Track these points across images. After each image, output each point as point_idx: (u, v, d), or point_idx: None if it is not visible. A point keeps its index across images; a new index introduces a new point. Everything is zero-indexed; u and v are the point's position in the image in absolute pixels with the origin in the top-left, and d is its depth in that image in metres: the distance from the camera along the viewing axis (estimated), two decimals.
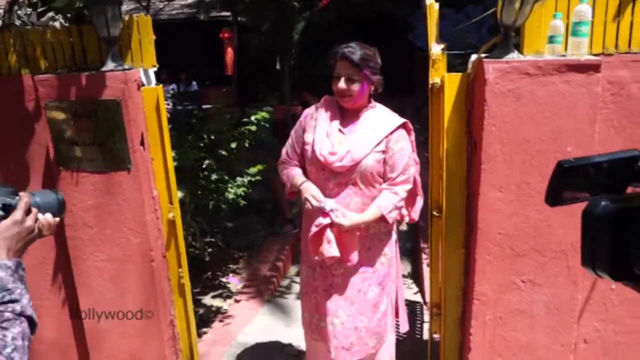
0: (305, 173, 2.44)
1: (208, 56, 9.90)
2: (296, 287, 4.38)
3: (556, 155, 2.17)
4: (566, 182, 0.78)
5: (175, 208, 2.63)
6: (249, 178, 4.02)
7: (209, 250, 4.74)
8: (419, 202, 2.51)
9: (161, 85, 2.54)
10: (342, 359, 2.42)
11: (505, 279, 2.35)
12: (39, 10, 2.54)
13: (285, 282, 4.61)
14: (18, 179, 2.72)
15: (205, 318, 3.88)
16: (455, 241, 2.46)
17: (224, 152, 3.87)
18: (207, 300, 4.20)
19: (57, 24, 3.59)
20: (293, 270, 4.86)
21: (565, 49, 2.12)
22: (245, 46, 8.93)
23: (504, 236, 2.30)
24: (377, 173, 2.31)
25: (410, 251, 5.15)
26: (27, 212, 1.19)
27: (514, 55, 2.11)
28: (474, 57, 2.27)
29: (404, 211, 2.52)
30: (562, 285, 2.32)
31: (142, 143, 2.47)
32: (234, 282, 4.49)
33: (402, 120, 2.35)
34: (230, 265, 4.83)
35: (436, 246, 2.58)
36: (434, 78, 2.33)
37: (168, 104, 4.63)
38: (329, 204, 2.22)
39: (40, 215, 1.23)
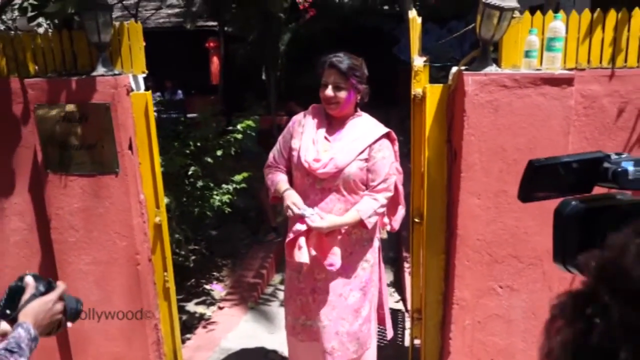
0: (291, 178, 2.50)
1: (194, 65, 9.93)
2: (280, 295, 4.41)
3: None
4: (537, 180, 0.84)
5: (162, 212, 2.67)
6: (234, 186, 4.06)
7: (193, 257, 4.75)
8: (401, 211, 2.57)
9: (150, 91, 2.59)
10: None
11: (484, 285, 2.43)
12: (29, 15, 2.57)
13: (269, 290, 4.63)
14: (4, 183, 2.74)
15: (189, 324, 3.89)
16: (436, 247, 2.53)
17: (209, 160, 3.91)
18: (191, 307, 4.21)
19: (41, 30, 3.62)
20: (277, 278, 4.89)
21: (541, 63, 2.22)
22: (231, 56, 8.99)
23: (482, 242, 2.38)
24: (360, 180, 2.38)
25: (392, 260, 5.21)
26: (60, 298, 1.31)
27: (492, 68, 2.21)
28: (454, 69, 2.37)
29: (386, 219, 2.58)
30: (539, 290, 2.40)
31: (130, 147, 2.51)
32: (217, 289, 4.50)
33: (386, 129, 2.42)
34: (214, 273, 4.84)
35: (417, 252, 2.65)
36: (416, 89, 2.41)
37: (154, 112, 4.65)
38: (308, 211, 2.27)
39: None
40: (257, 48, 8.33)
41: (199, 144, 3.86)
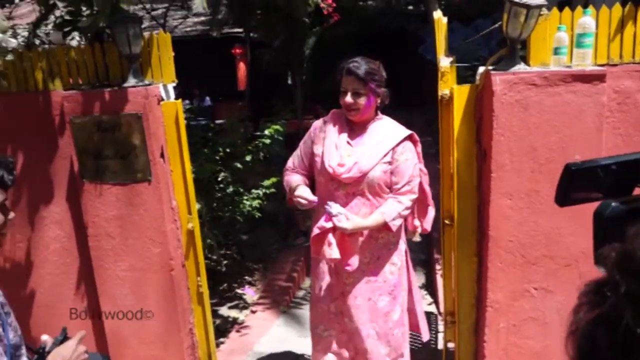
0: (312, 184, 2.52)
1: (221, 72, 10.06)
2: None
3: (564, 164, 2.22)
4: (574, 183, 0.83)
5: (194, 218, 2.71)
6: (263, 191, 4.10)
7: (225, 262, 4.81)
8: (431, 212, 2.56)
9: (180, 99, 2.64)
10: None
11: (518, 287, 2.39)
12: (65, 30, 2.66)
13: (300, 294, 4.66)
14: (43, 192, 2.83)
15: (222, 328, 3.94)
16: (468, 249, 2.50)
17: (239, 165, 3.96)
18: (224, 311, 4.26)
19: (73, 43, 3.72)
20: (307, 281, 4.90)
21: (571, 60, 2.18)
22: (257, 61, 9.08)
23: (515, 244, 2.34)
24: (384, 184, 2.37)
25: (424, 262, 5.17)
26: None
27: (520, 67, 2.18)
28: (481, 69, 2.35)
29: (417, 222, 2.57)
30: (575, 291, 2.33)
31: (162, 155, 2.56)
32: (249, 293, 4.55)
33: (408, 132, 2.42)
34: (246, 277, 4.89)
35: (448, 254, 2.62)
36: (443, 90, 2.40)
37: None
38: (335, 208, 2.28)
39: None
40: (283, 53, 8.37)
41: (228, 150, 3.91)
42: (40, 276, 2.92)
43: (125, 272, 2.71)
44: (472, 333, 2.60)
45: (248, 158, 3.96)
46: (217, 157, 3.88)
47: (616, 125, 2.25)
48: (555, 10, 2.19)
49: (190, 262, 2.77)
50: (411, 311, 2.62)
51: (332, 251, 2.30)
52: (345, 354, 2.55)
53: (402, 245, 2.55)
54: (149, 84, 2.51)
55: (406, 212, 2.40)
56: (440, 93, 2.40)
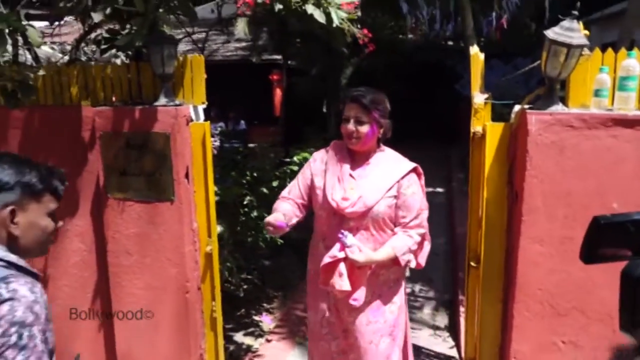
0: (308, 213, 2.45)
1: (258, 97, 10.20)
2: None
3: (601, 211, 2.10)
4: (603, 238, 0.76)
5: (214, 242, 2.68)
6: None
7: (244, 287, 4.76)
8: (427, 247, 2.44)
9: (208, 121, 2.64)
10: None
11: (545, 339, 2.26)
12: (102, 47, 2.71)
13: None
14: (68, 205, 2.85)
15: (235, 355, 3.86)
16: (493, 294, 2.38)
17: (265, 190, 3.93)
18: (239, 337, 4.18)
19: (118, 61, 3.82)
20: None
21: (612, 103, 2.09)
22: (293, 88, 9.18)
23: (544, 292, 2.22)
24: (388, 218, 2.30)
25: (448, 302, 5.00)
26: None
27: (558, 108, 2.10)
28: (517, 107, 2.27)
29: (411, 256, 2.47)
30: (606, 349, 2.20)
31: (186, 176, 2.55)
32: (266, 321, 4.46)
33: (412, 164, 2.35)
34: (265, 304, 4.81)
35: (472, 298, 2.51)
36: (476, 127, 2.33)
37: (215, 141, 4.78)
38: (349, 238, 2.21)
39: None
40: (319, 81, 8.45)
41: (255, 174, 3.90)
42: (58, 288, 2.93)
43: (141, 290, 2.68)
44: None
45: (275, 184, 3.94)
46: (244, 181, 3.87)
47: None
48: (597, 50, 2.10)
49: (206, 286, 2.72)
50: (403, 348, 2.52)
51: (343, 282, 2.22)
52: None
53: (402, 284, 2.46)
54: (180, 104, 2.52)
55: (415, 247, 2.31)
56: (472, 130, 2.33)
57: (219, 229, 3.12)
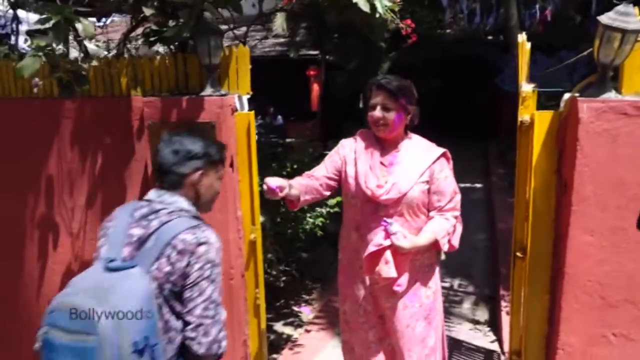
0: (336, 202, 2.47)
1: (295, 92, 10.26)
2: None
3: None
4: None
5: (257, 229, 2.72)
6: (327, 209, 4.08)
7: (284, 278, 4.81)
8: (459, 229, 2.44)
9: (253, 111, 2.68)
10: None
11: (595, 331, 2.20)
12: (151, 40, 2.78)
13: None
14: (116, 194, 2.94)
15: (276, 344, 3.92)
16: (540, 286, 2.34)
17: None
18: (279, 327, 4.24)
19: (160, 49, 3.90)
20: None
21: None
22: (331, 83, 9.19)
23: (594, 284, 2.16)
24: (422, 204, 2.32)
25: (488, 297, 4.94)
26: None
27: (610, 95, 2.04)
28: (566, 95, 2.22)
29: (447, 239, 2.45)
30: None
31: (231, 165, 2.60)
32: (305, 311, 4.51)
33: (442, 149, 2.37)
34: (303, 295, 4.86)
35: (518, 289, 2.47)
36: (523, 115, 2.29)
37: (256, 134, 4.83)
38: (394, 226, 2.22)
39: None
40: (357, 76, 8.44)
41: (295, 166, 3.93)
42: None
43: None
44: None
45: None
46: (285, 173, 3.91)
47: None
48: None
49: (250, 273, 2.77)
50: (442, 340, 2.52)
51: (390, 269, 2.23)
52: None
53: (437, 268, 2.46)
54: (225, 94, 2.56)
55: (452, 230, 2.34)
56: (520, 118, 2.29)
57: (261, 218, 3.16)
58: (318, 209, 4.07)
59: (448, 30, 11.28)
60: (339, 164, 2.45)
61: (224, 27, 2.80)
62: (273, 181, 2.25)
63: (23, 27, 3.78)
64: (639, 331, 2.14)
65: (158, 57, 2.75)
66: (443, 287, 2.65)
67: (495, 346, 3.98)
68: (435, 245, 2.33)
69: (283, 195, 2.25)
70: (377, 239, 2.25)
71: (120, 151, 2.89)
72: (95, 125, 2.93)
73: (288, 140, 7.67)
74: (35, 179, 3.11)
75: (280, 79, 10.19)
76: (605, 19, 1.92)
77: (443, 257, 2.51)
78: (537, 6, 6.77)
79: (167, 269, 1.54)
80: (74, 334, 1.37)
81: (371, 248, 2.26)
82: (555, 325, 2.26)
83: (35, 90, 2.73)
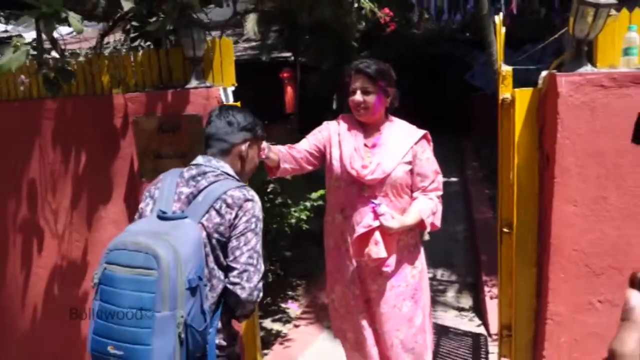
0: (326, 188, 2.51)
1: (269, 95, 10.25)
2: None
3: (634, 169, 2.13)
4: None
5: None
6: (311, 203, 4.10)
7: (268, 277, 4.81)
8: (440, 208, 2.48)
9: (239, 102, 2.69)
10: None
11: (581, 299, 2.28)
12: (132, 36, 2.78)
13: None
14: (102, 192, 2.91)
15: (266, 341, 3.91)
16: (527, 259, 2.41)
17: (288, 177, 3.98)
18: (267, 323, 4.24)
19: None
20: None
21: None
22: (303, 85, 9.23)
23: (579, 253, 2.24)
24: (405, 184, 2.38)
25: (471, 285, 5.03)
26: None
27: (587, 68, 2.12)
28: (544, 73, 2.30)
29: (432, 218, 2.49)
30: None
31: None
32: (293, 307, 4.52)
33: (422, 131, 2.43)
34: (289, 292, 4.86)
35: (506, 265, 2.53)
36: (504, 93, 2.36)
37: None
38: (382, 207, 2.25)
39: None
40: (330, 76, 8.50)
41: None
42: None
43: None
44: (530, 348, 2.49)
45: None
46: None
47: None
48: (624, 10, 2.13)
49: None
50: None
51: (380, 250, 2.26)
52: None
53: (421, 248, 2.51)
54: (210, 86, 2.57)
55: (436, 209, 2.40)
56: (501, 96, 2.36)
57: None
58: (302, 203, 4.09)
59: (415, 31, 11.47)
60: (322, 142, 2.46)
61: None
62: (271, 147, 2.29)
63: None
64: (622, 296, 2.22)
65: (139, 53, 2.74)
66: None
67: (481, 329, 4.07)
68: (419, 225, 2.37)
69: (264, 156, 2.26)
70: (366, 219, 2.28)
71: (105, 150, 2.86)
72: (78, 125, 2.90)
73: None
74: (17, 181, 3.05)
75: (253, 83, 10.17)
76: None
77: (427, 237, 2.56)
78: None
79: (217, 220, 1.66)
80: (135, 268, 1.49)
81: (360, 230, 2.29)
82: (544, 297, 2.33)
83: (21, 88, 2.69)
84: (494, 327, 3.70)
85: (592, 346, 2.29)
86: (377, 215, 2.27)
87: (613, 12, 2.11)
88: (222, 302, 1.71)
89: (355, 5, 2.62)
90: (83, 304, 2.99)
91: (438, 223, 2.47)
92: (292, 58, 9.15)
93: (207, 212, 1.67)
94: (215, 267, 1.69)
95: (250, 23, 8.98)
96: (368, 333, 2.48)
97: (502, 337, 2.61)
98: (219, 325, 1.72)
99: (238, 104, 2.67)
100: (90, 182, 2.94)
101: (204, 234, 1.66)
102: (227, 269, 1.69)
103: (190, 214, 1.67)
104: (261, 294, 1.72)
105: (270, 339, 3.96)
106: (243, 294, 1.66)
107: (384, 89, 2.33)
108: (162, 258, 1.47)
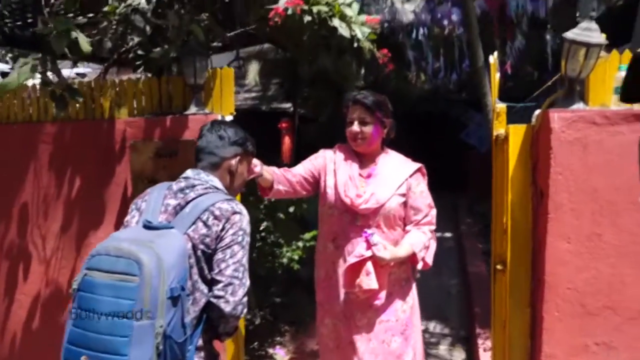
0: (321, 218, 2.46)
1: (267, 144, 10.37)
2: None
3: (628, 206, 2.14)
4: None
5: None
6: (304, 243, 4.06)
7: (257, 322, 4.69)
8: (433, 246, 2.44)
9: None
10: None
11: (577, 341, 2.22)
12: (136, 64, 2.84)
13: None
14: (92, 219, 2.88)
15: None
16: (521, 298, 2.37)
17: (282, 216, 3.96)
18: None
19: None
20: None
21: None
22: (302, 135, 9.37)
23: (573, 291, 2.21)
24: (398, 216, 2.35)
25: (464, 339, 4.90)
26: None
27: (579, 106, 2.17)
28: (537, 111, 2.35)
29: (424, 253, 2.45)
30: None
31: None
32: (280, 353, 4.37)
33: (418, 164, 2.44)
34: (277, 338, 4.72)
35: (499, 304, 2.48)
36: (498, 129, 2.40)
37: None
38: (376, 237, 2.22)
39: None
40: (329, 127, 8.63)
41: (272, 199, 3.94)
42: None
43: None
44: None
45: (291, 209, 3.97)
46: (262, 206, 3.91)
47: None
48: (614, 52, 2.20)
49: None
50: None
51: (371, 281, 2.21)
52: None
53: (413, 283, 2.45)
54: (209, 113, 2.61)
55: (428, 244, 2.36)
56: (495, 133, 2.40)
57: None
58: (295, 243, 4.05)
59: (426, 86, 11.74)
60: (317, 168, 2.45)
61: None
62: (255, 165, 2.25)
63: None
64: (620, 339, 2.17)
65: (141, 80, 2.80)
66: None
67: None
68: (411, 259, 2.33)
69: (258, 173, 2.24)
70: (358, 249, 2.25)
71: (100, 174, 2.86)
72: (75, 149, 2.91)
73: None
74: (8, 204, 3.03)
75: (252, 132, 10.33)
76: (570, 34, 2.08)
77: (417, 275, 2.51)
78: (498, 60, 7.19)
79: (203, 231, 1.65)
80: (116, 274, 1.45)
81: (352, 259, 2.25)
82: (538, 337, 2.28)
83: (28, 101, 2.73)
84: None
85: None
86: (369, 245, 2.24)
87: (603, 53, 2.18)
88: (204, 318, 1.66)
89: (355, 45, 2.70)
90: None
91: (430, 261, 2.41)
92: (292, 109, 9.33)
93: (194, 223, 1.65)
94: (199, 280, 1.65)
95: (252, 73, 9.23)
96: None
97: None
98: (200, 342, 1.66)
99: None
100: (82, 207, 2.91)
101: (190, 245, 1.63)
102: (211, 282, 1.65)
103: (176, 224, 1.64)
104: (245, 310, 1.67)
105: None
106: (227, 308, 1.61)
107: (381, 119, 2.36)
108: (144, 264, 1.44)
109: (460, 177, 11.66)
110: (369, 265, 2.23)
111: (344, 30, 2.56)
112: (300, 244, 4.07)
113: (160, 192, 1.76)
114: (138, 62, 2.82)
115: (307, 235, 4.14)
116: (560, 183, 2.17)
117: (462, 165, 11.63)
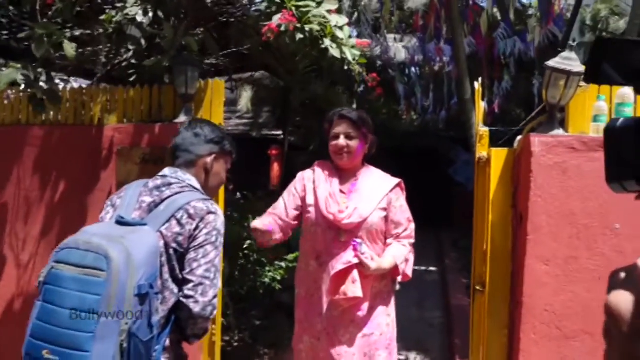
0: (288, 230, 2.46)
1: (256, 169, 10.40)
2: None
3: (604, 232, 2.18)
4: (605, 57, 0.76)
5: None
6: (287, 264, 4.05)
7: (235, 345, 4.61)
8: (411, 259, 2.45)
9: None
10: None
11: None
12: (129, 72, 2.88)
13: None
14: (74, 224, 2.86)
15: None
16: (500, 319, 2.38)
17: None
18: None
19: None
20: None
21: None
22: (292, 163, 9.42)
23: (550, 314, 2.22)
24: (380, 230, 2.38)
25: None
26: None
27: (559, 132, 2.23)
28: (519, 137, 2.41)
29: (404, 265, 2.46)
30: None
31: None
32: None
33: (397, 179, 2.48)
34: None
35: (478, 324, 2.49)
36: (481, 152, 2.45)
37: None
38: (364, 247, 2.24)
39: None
40: (317, 156, 8.70)
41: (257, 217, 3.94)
42: None
43: None
44: None
45: None
46: (247, 224, 3.90)
47: None
48: (592, 85, 2.28)
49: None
50: None
51: (356, 289, 2.21)
52: None
53: (392, 297, 2.45)
54: None
55: (408, 257, 2.38)
56: (477, 155, 2.45)
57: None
58: (277, 263, 4.03)
59: (415, 123, 11.92)
60: (301, 196, 2.46)
61: None
62: (264, 225, 2.29)
63: None
64: None
65: (132, 88, 2.83)
66: None
67: None
68: (392, 272, 2.35)
69: (272, 241, 2.32)
70: (345, 256, 2.25)
71: (84, 180, 2.86)
72: (61, 154, 2.91)
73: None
74: None
75: (242, 157, 10.36)
76: (552, 62, 2.16)
77: (397, 287, 2.52)
78: (485, 99, 7.36)
79: (177, 229, 1.62)
80: (84, 268, 1.42)
81: (339, 266, 2.25)
82: (514, 359, 2.27)
83: (5, 102, 2.73)
84: None
85: None
86: (356, 253, 2.25)
87: (583, 84, 2.26)
88: (173, 318, 1.63)
89: (345, 67, 2.76)
90: None
91: (409, 273, 2.43)
92: (282, 136, 9.41)
93: (168, 221, 1.63)
94: (170, 279, 1.62)
95: (245, 100, 9.33)
96: None
97: None
98: (167, 343, 1.62)
99: None
100: (64, 212, 2.90)
101: (162, 242, 1.61)
102: (182, 282, 1.62)
103: (150, 221, 1.62)
104: (215, 311, 1.64)
105: None
106: (196, 308, 1.58)
107: (365, 135, 2.40)
108: (113, 259, 1.41)
109: (446, 212, 11.72)
110: (355, 274, 2.24)
111: (334, 51, 2.62)
112: (283, 264, 4.05)
113: (136, 189, 1.73)
114: (131, 71, 2.85)
115: (291, 257, 4.12)
116: (539, 205, 2.20)
117: (449, 201, 11.71)
